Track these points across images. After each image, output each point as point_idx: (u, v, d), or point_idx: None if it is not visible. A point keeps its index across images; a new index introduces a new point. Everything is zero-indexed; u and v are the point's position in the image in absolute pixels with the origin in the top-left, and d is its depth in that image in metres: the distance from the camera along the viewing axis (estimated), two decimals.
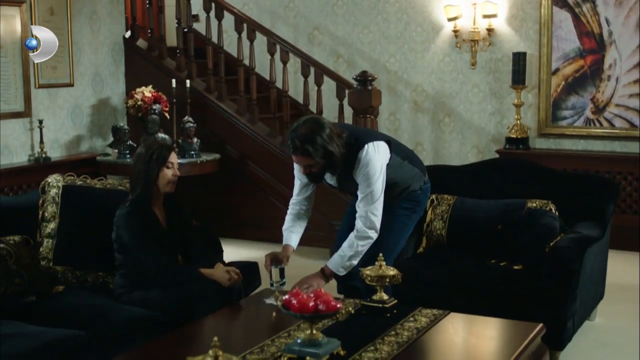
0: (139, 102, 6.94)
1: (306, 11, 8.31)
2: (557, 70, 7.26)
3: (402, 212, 4.22)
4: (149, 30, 7.88)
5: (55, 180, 4.48)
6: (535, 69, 7.31)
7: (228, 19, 7.55)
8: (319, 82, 7.10)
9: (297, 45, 7.72)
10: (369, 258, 3.89)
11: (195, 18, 8.40)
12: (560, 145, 7.34)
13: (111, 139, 7.08)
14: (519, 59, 7.17)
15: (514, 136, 7.27)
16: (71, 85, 7.02)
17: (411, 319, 3.50)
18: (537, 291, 4.26)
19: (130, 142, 6.92)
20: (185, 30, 7.72)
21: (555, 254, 4.30)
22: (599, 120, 7.15)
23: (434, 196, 4.88)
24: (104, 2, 7.39)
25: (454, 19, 7.50)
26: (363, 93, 6.38)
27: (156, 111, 6.92)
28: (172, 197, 4.17)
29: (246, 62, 7.43)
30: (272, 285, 3.94)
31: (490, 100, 7.61)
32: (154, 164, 4.02)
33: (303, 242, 4.31)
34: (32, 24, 6.43)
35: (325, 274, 4.02)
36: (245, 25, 7.43)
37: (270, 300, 3.77)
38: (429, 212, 4.89)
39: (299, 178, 4.21)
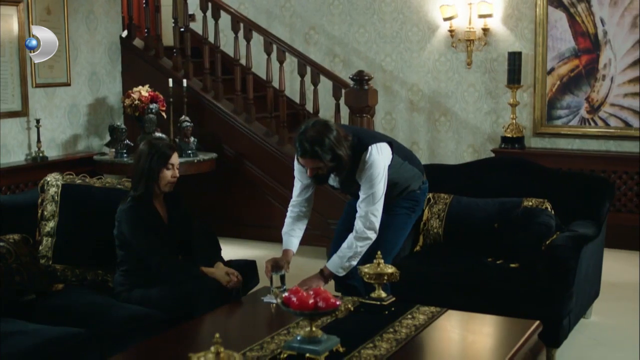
0: (136, 102, 6.94)
1: (302, 11, 8.33)
2: (552, 69, 7.30)
3: (402, 212, 4.25)
4: (146, 30, 7.89)
5: (54, 179, 4.50)
6: (531, 69, 7.35)
7: (225, 19, 7.56)
8: (315, 82, 7.12)
9: (293, 44, 7.74)
10: (368, 257, 3.91)
11: (192, 17, 8.40)
12: (556, 144, 7.38)
13: (108, 138, 7.08)
14: (515, 59, 7.20)
15: (509, 135, 7.30)
16: (68, 84, 7.03)
17: (409, 316, 3.52)
18: (533, 289, 4.28)
19: (127, 141, 6.93)
20: (182, 29, 7.73)
21: (552, 252, 4.32)
22: (594, 119, 7.19)
23: (430, 195, 4.91)
24: (101, 2, 7.40)
25: (450, 18, 7.53)
26: (359, 92, 6.40)
27: (153, 110, 6.93)
28: (173, 193, 4.19)
29: (243, 61, 7.45)
30: (272, 291, 3.94)
31: (485, 100, 7.64)
32: (155, 163, 4.03)
33: (300, 241, 4.32)
34: (29, 24, 6.46)
35: (325, 275, 4.04)
36: (241, 25, 7.44)
37: (268, 299, 3.79)
38: (426, 210, 4.92)
39: (299, 180, 4.21)
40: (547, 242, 4.46)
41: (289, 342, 3.08)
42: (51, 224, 4.38)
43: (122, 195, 4.20)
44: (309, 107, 7.35)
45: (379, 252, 3.64)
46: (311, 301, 3.03)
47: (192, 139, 6.95)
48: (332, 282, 4.22)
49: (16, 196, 5.08)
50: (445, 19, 7.55)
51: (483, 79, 7.62)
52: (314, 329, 3.05)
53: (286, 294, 3.80)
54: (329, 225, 6.29)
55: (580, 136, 7.27)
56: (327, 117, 6.94)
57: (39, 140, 6.58)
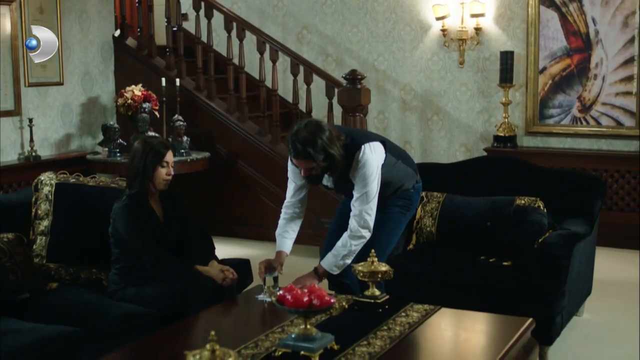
0: (129, 101, 6.94)
1: (295, 10, 8.34)
2: (544, 69, 7.32)
3: (396, 211, 4.27)
4: (139, 29, 7.89)
5: (48, 178, 4.49)
6: (523, 68, 7.37)
7: (217, 18, 7.56)
8: (308, 81, 7.13)
9: (286, 44, 7.74)
10: (362, 255, 3.93)
11: (185, 17, 8.40)
12: (548, 143, 7.41)
13: (101, 137, 7.08)
14: (507, 58, 7.22)
15: (501, 134, 7.33)
16: (61, 83, 7.02)
17: (403, 314, 3.53)
18: (526, 287, 4.30)
19: (120, 140, 6.93)
20: (175, 29, 7.73)
21: (544, 250, 4.34)
22: (586, 118, 7.22)
23: (423, 193, 4.92)
24: (94, 1, 7.39)
25: (442, 18, 7.55)
26: (352, 92, 6.41)
27: (146, 110, 6.93)
28: (170, 191, 4.19)
29: (235, 61, 7.45)
30: (265, 293, 3.94)
31: (478, 99, 7.66)
32: (150, 161, 4.04)
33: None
34: (22, 23, 6.45)
35: (319, 273, 4.05)
36: (234, 24, 7.45)
37: (262, 297, 3.79)
38: (419, 209, 4.93)
39: (293, 181, 4.21)
40: (540, 240, 4.48)
41: (283, 339, 3.09)
42: (45, 223, 4.38)
43: (116, 194, 4.21)
44: (302, 106, 7.36)
45: (373, 251, 3.66)
46: (306, 299, 3.03)
47: (185, 138, 6.95)
48: (325, 281, 4.23)
49: (10, 195, 5.08)
50: (438, 19, 7.57)
51: (475, 78, 7.65)
52: (308, 326, 3.06)
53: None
54: (322, 224, 6.30)
55: (572, 135, 7.30)
56: (320, 116, 6.97)
57: (31, 140, 6.57)
